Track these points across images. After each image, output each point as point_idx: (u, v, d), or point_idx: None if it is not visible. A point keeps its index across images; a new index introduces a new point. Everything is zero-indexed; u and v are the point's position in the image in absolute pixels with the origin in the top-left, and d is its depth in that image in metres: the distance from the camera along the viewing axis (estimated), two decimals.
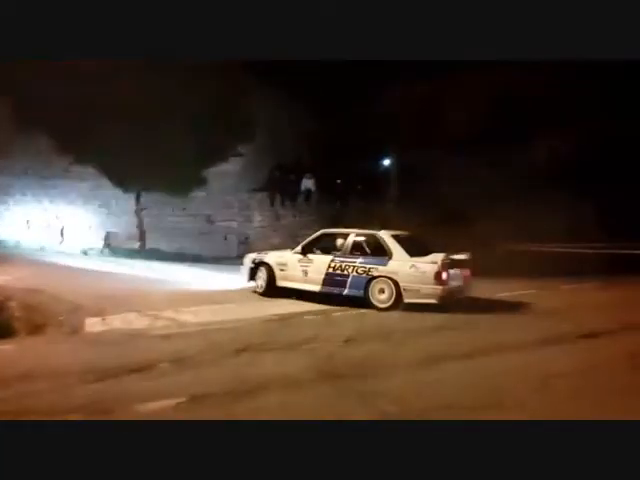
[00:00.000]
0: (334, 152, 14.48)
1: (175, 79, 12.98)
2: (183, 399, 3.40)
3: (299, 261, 7.89)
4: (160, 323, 5.91)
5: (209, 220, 15.80)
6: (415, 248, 7.27)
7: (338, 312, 6.91)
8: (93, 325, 5.73)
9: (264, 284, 8.12)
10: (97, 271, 10.68)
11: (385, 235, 7.48)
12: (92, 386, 3.72)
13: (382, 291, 7.12)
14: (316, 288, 7.65)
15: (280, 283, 8.03)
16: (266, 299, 7.92)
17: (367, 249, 7.57)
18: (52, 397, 3.48)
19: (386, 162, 16.79)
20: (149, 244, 15.29)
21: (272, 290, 8.00)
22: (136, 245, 15.07)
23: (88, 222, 15.41)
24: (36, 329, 5.47)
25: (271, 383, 3.78)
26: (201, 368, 4.21)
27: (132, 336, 5.25)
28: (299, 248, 8.05)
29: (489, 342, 5.25)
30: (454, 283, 7.05)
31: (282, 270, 8.02)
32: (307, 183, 15.42)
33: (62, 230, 15.01)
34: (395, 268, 7.08)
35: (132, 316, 6.18)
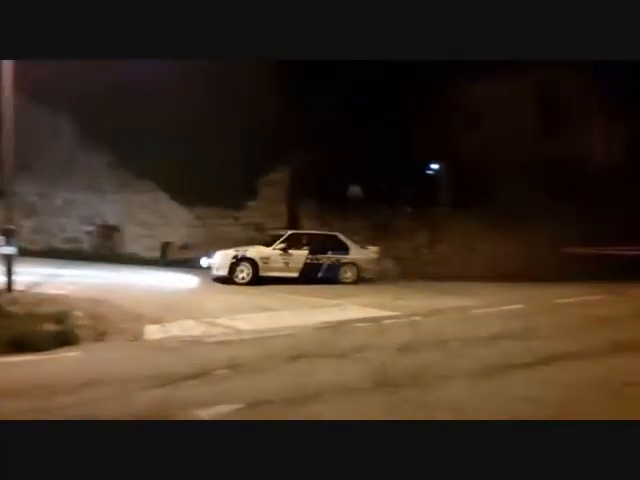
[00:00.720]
0: (382, 157, 14.40)
1: (225, 90, 13.35)
2: (241, 405, 3.44)
3: (280, 255, 10.69)
4: (216, 330, 6.04)
5: (259, 228, 16.06)
6: (358, 243, 11.74)
7: (389, 320, 6.81)
8: (153, 332, 5.91)
9: (250, 275, 10.43)
10: (155, 280, 11.06)
11: (342, 235, 11.63)
12: (153, 392, 3.82)
13: (346, 272, 11.24)
14: (295, 275, 10.71)
15: (263, 273, 10.56)
16: (317, 306, 7.97)
17: (329, 245, 11.26)
18: (115, 403, 3.60)
19: (435, 167, 16.53)
20: (199, 254, 15.68)
21: (256, 279, 10.37)
22: (189, 255, 15.49)
23: (145, 233, 15.99)
24: (100, 336, 5.70)
25: (326, 391, 3.75)
26: (258, 375, 4.25)
27: (190, 343, 5.38)
28: (278, 245, 10.82)
29: (550, 351, 5.01)
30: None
31: (265, 263, 10.55)
32: (355, 190, 15.39)
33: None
34: (355, 256, 11.37)
35: (189, 323, 6.35)
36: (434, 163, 16.89)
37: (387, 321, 6.71)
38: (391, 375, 4.21)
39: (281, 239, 10.99)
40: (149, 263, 14.19)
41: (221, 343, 5.34)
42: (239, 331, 6.03)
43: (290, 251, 10.76)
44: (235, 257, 10.51)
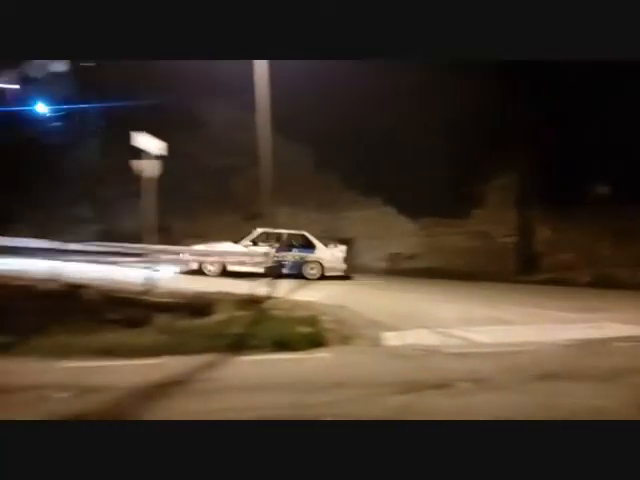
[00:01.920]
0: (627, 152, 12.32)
1: (442, 96, 13.28)
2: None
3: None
4: (452, 341, 5.98)
5: (485, 236, 15.37)
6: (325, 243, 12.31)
7: None
8: (389, 339, 6.17)
9: (218, 269, 11.19)
10: (381, 289, 11.50)
11: (309, 235, 12.25)
12: (397, 398, 3.97)
13: (312, 269, 11.86)
14: (261, 270, 10.69)
15: (230, 268, 11.25)
16: (563, 321, 7.18)
17: (296, 244, 11.99)
18: (362, 406, 3.85)
19: None
20: (425, 263, 15.78)
21: (223, 273, 11.04)
22: (416, 264, 15.75)
23: (373, 245, 16.87)
24: (344, 340, 6.21)
25: (581, 416, 3.34)
26: (502, 391, 4.05)
27: (427, 352, 5.45)
28: (247, 242, 11.56)
29: None
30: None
31: None
32: (602, 189, 13.45)
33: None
34: (321, 255, 12.03)
35: (424, 332, 6.43)
36: None
37: None
38: None
39: (250, 236, 11.67)
40: (377, 272, 14.90)
41: (459, 355, 5.26)
42: (477, 344, 5.85)
43: (258, 248, 11.42)
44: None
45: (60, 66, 19.86)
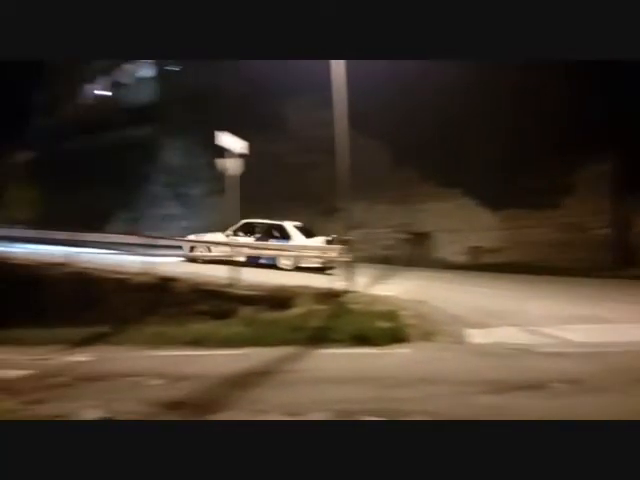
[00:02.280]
0: None
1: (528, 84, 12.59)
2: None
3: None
4: (543, 340, 5.65)
5: (577, 229, 14.36)
6: (306, 233, 11.87)
7: None
8: (474, 336, 5.95)
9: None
10: (461, 283, 11.09)
11: (287, 224, 11.98)
12: (488, 397, 3.81)
13: (287, 259, 11.33)
14: (243, 259, 10.64)
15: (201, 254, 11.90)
16: None
17: (276, 234, 11.80)
18: (451, 402, 3.74)
19: None
20: (508, 257, 15.06)
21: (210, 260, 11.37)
22: (499, 259, 15.09)
23: (451, 239, 16.39)
24: (426, 336, 6.08)
25: None
26: (601, 393, 3.76)
27: (516, 351, 5.19)
28: (230, 232, 11.84)
29: None
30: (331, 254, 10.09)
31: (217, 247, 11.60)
32: None
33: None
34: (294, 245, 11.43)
35: (512, 330, 6.13)
36: None
37: None
38: None
39: (234, 227, 11.89)
40: (456, 267, 14.44)
41: (553, 354, 4.96)
42: (572, 343, 5.48)
43: (239, 238, 11.79)
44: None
45: (147, 71, 21.13)
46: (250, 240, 11.78)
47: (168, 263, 10.65)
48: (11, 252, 11.63)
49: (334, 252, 9.84)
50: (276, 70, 13.48)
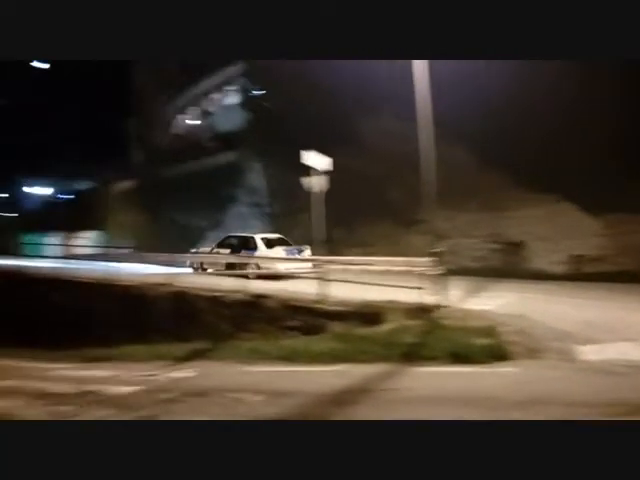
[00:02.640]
0: None
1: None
2: None
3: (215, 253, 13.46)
4: None
5: None
6: (274, 243, 12.94)
7: None
8: (586, 353, 5.47)
9: (200, 267, 13.56)
10: (559, 294, 10.30)
11: (256, 236, 13.28)
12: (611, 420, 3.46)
13: (252, 268, 12.06)
14: (223, 269, 12.44)
15: (205, 266, 13.53)
16: None
17: (246, 246, 12.90)
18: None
19: None
20: (615, 266, 13.76)
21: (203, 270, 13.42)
22: (603, 268, 13.89)
23: (547, 247, 15.38)
24: (530, 353, 5.68)
25: None
26: None
27: (635, 368, 4.69)
28: (214, 245, 13.72)
29: None
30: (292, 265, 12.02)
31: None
32: None
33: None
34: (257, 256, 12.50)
35: (628, 345, 5.56)
36: None
37: None
38: None
39: (219, 241, 13.72)
40: (556, 278, 13.48)
41: None
42: None
43: (220, 250, 13.20)
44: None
45: (232, 98, 22.26)
46: (227, 252, 13.13)
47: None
48: (116, 273, 12.60)
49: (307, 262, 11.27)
50: (356, 84, 13.57)
